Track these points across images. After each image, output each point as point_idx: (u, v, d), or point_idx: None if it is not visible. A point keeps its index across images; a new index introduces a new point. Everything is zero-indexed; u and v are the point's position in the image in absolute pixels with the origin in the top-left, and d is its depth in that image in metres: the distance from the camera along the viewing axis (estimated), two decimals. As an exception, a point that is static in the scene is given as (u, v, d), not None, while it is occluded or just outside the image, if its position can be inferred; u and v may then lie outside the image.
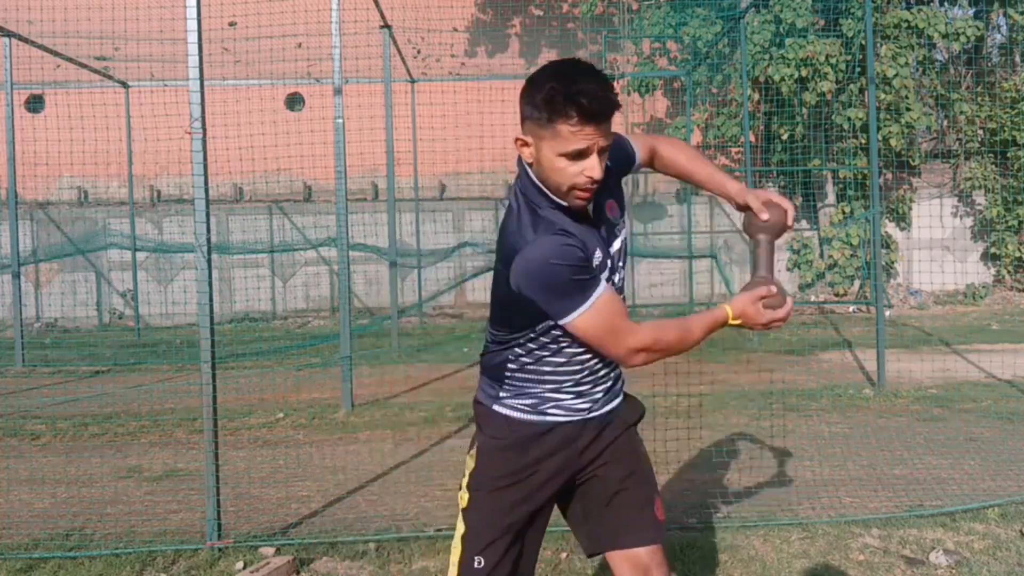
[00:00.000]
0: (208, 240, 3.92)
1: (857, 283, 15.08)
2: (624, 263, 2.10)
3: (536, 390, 2.08)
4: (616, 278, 2.05)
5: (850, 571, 3.57)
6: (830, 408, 6.72)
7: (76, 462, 5.61)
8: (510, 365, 2.08)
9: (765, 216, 2.06)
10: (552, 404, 2.08)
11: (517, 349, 2.05)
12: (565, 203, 1.92)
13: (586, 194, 1.90)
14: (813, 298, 15.07)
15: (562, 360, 2.05)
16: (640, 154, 2.22)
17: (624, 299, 2.08)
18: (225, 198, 15.18)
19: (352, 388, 7.01)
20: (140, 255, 14.03)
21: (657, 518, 2.12)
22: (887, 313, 11.39)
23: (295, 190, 15.50)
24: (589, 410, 2.11)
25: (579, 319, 1.89)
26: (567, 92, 1.81)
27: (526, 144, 1.92)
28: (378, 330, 12.39)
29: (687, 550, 3.72)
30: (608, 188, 2.03)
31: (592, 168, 1.86)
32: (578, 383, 2.09)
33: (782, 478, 4.86)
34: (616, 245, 2.06)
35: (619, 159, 2.12)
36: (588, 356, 2.06)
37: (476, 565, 2.04)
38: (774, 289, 2.02)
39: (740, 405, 6.85)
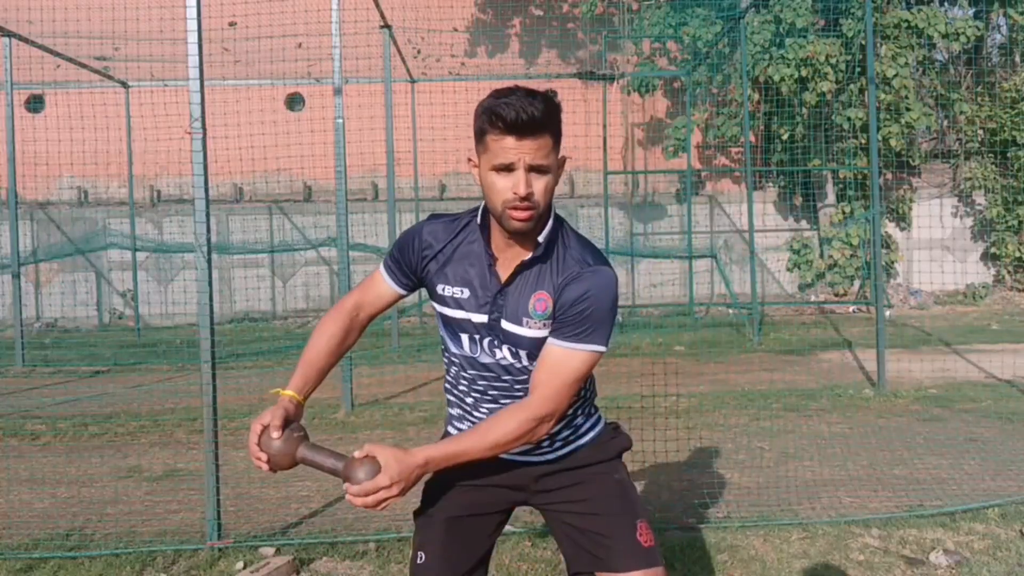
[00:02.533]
0: (208, 240, 3.92)
1: (857, 283, 15.09)
2: (516, 353, 1.95)
3: (453, 413, 2.13)
4: (507, 356, 1.95)
5: (850, 571, 3.57)
6: (830, 408, 6.72)
7: (76, 462, 5.61)
8: (446, 378, 2.14)
9: (357, 457, 1.78)
10: (464, 428, 2.07)
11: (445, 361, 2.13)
12: (506, 228, 1.87)
13: (519, 213, 1.81)
14: (813, 298, 15.07)
15: (450, 385, 2.11)
16: (543, 353, 1.91)
17: (520, 379, 1.97)
18: (225, 198, 15.19)
19: (352, 388, 7.00)
20: (140, 255, 14.03)
21: (640, 544, 2.01)
22: (887, 313, 11.40)
23: (295, 190, 15.50)
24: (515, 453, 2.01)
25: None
26: (494, 104, 1.81)
27: (476, 165, 1.91)
28: (378, 330, 12.39)
29: (687, 550, 3.72)
30: (552, 284, 1.90)
31: (517, 184, 1.80)
32: (461, 416, 2.09)
33: (782, 478, 4.86)
34: (511, 328, 1.92)
35: (558, 303, 1.90)
36: (462, 376, 2.04)
37: (418, 560, 2.06)
38: (285, 443, 1.86)
39: (740, 405, 6.85)
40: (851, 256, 14.72)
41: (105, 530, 4.21)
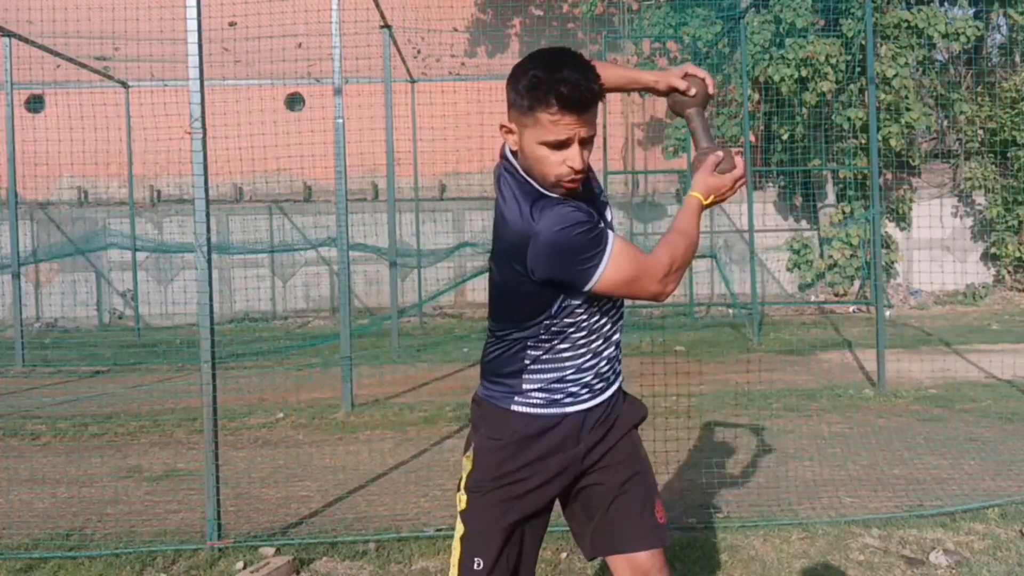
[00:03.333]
0: (208, 240, 3.92)
1: (857, 283, 15.08)
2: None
3: (553, 378, 2.06)
4: None
5: (850, 571, 3.57)
6: (830, 408, 6.72)
7: (76, 462, 5.61)
8: (525, 361, 2.05)
9: (692, 91, 2.13)
10: (568, 392, 2.07)
11: (529, 343, 2.04)
12: (551, 192, 1.93)
13: (571, 184, 1.91)
14: (813, 298, 15.07)
15: (569, 346, 2.05)
16: None
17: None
18: (225, 198, 15.19)
19: (352, 388, 7.00)
20: (140, 255, 14.03)
21: (658, 521, 2.10)
22: (887, 313, 11.40)
23: (295, 190, 15.50)
24: (600, 390, 2.11)
25: (605, 273, 1.90)
26: (548, 80, 1.79)
27: (511, 131, 1.92)
28: (378, 330, 12.39)
29: (687, 550, 3.72)
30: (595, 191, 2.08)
31: (573, 158, 1.86)
32: (583, 367, 2.10)
33: (782, 478, 4.86)
34: (608, 215, 2.09)
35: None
36: (592, 338, 2.08)
37: (475, 567, 2.02)
38: (720, 154, 2.06)
39: (740, 405, 6.85)
40: (851, 256, 14.72)
41: (105, 530, 4.21)
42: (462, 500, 2.09)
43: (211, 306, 3.97)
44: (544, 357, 2.04)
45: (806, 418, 6.39)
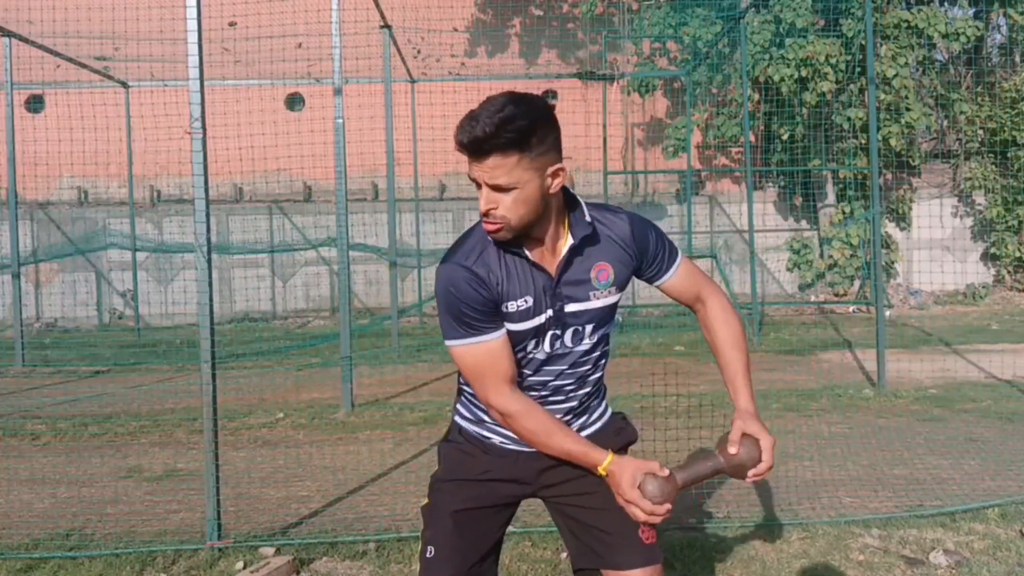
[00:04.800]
0: (208, 240, 3.92)
1: (857, 283, 15.09)
2: (596, 331, 2.04)
3: (476, 402, 2.10)
4: (568, 339, 2.01)
5: (850, 571, 3.57)
6: (830, 408, 6.72)
7: (76, 462, 5.61)
8: (460, 377, 2.14)
9: (734, 450, 1.86)
10: (488, 420, 2.10)
11: None
12: None
13: (487, 226, 1.89)
14: (813, 298, 15.07)
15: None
16: (674, 282, 2.10)
17: (576, 364, 2.04)
18: (225, 198, 15.19)
19: (352, 388, 7.00)
20: (140, 255, 14.04)
21: (641, 541, 2.04)
22: (887, 313, 11.40)
23: (295, 190, 15.50)
24: (519, 442, 2.07)
25: (454, 349, 1.95)
26: (461, 121, 1.84)
27: None
28: (378, 330, 12.39)
29: (687, 550, 3.72)
30: (606, 254, 1.99)
31: (481, 200, 1.88)
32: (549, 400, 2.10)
33: (782, 478, 4.86)
34: (579, 307, 1.98)
35: (639, 252, 2.04)
36: (529, 384, 2.05)
37: (428, 555, 2.07)
38: (671, 483, 1.82)
39: (740, 405, 6.84)
40: (851, 256, 14.72)
41: (105, 530, 4.21)
42: (425, 499, 2.17)
43: (211, 306, 3.97)
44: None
45: (806, 418, 6.39)
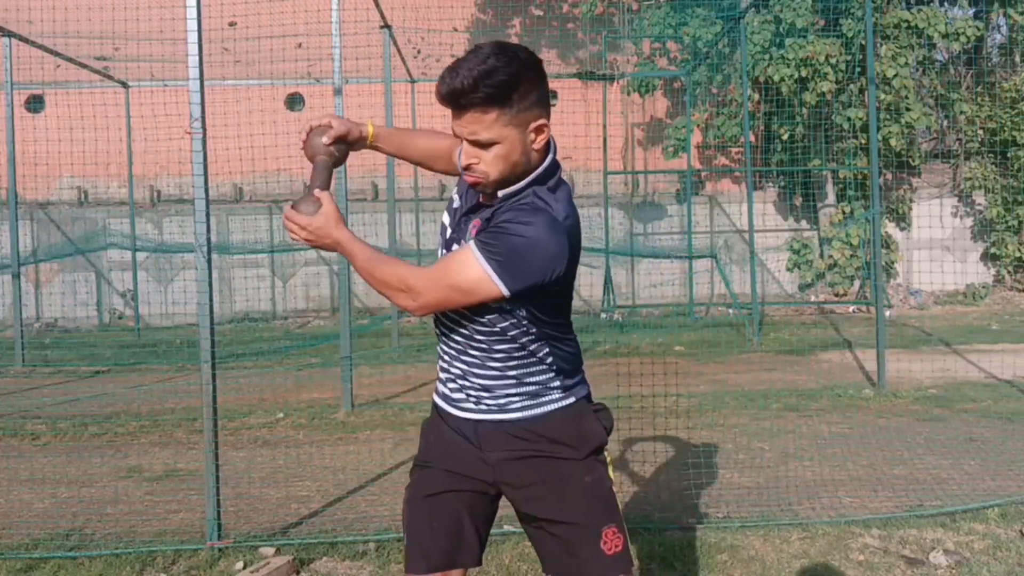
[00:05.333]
0: (208, 240, 3.92)
1: (857, 283, 15.09)
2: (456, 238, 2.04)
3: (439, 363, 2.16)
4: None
5: (850, 571, 3.57)
6: (830, 408, 6.72)
7: (76, 462, 5.61)
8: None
9: (327, 140, 2.10)
10: (439, 378, 2.15)
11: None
12: None
13: (468, 178, 1.90)
14: (813, 298, 15.07)
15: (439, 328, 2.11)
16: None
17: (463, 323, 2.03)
18: (225, 198, 15.18)
19: (352, 388, 7.00)
20: (140, 255, 14.03)
21: (604, 553, 1.99)
22: (887, 313, 11.40)
23: (295, 190, 15.49)
24: (445, 398, 2.11)
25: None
26: (444, 71, 1.81)
27: None
28: (378, 330, 12.39)
29: (687, 550, 3.72)
30: (489, 218, 1.92)
31: (463, 153, 1.88)
32: (440, 355, 2.12)
33: (782, 478, 4.86)
34: (455, 247, 2.00)
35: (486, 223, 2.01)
36: (438, 322, 2.08)
37: (406, 541, 2.09)
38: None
39: (740, 405, 6.85)
40: (851, 256, 14.72)
41: (105, 530, 4.21)
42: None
43: (211, 306, 3.97)
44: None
45: (806, 418, 6.39)
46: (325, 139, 2.09)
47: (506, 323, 1.95)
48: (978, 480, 4.73)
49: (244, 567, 3.68)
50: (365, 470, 5.20)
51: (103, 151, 13.60)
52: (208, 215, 3.95)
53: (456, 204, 2.07)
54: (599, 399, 2.18)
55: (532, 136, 1.85)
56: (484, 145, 1.82)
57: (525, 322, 1.95)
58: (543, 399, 2.02)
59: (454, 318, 2.00)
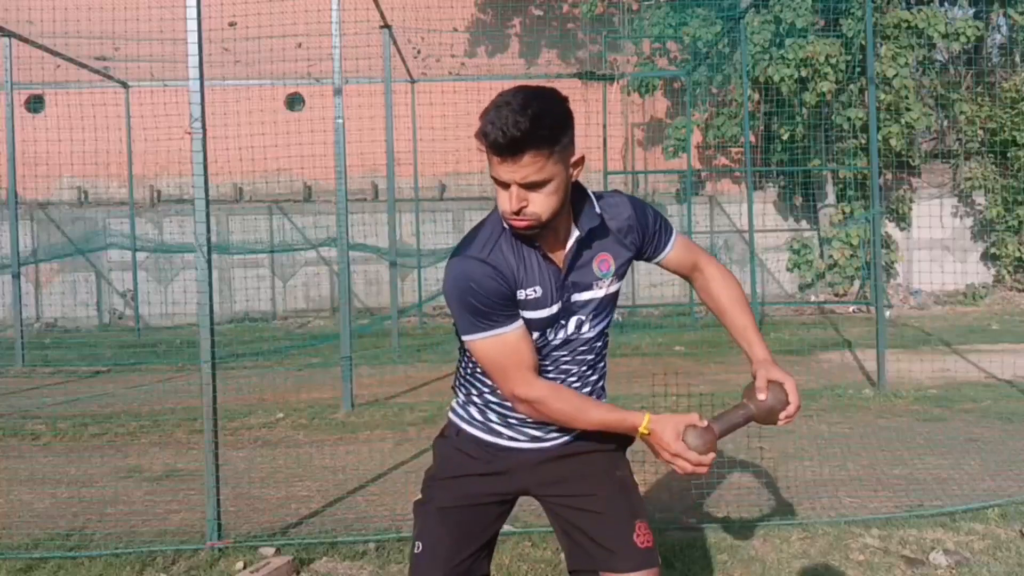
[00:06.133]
0: (208, 240, 3.92)
1: (857, 283, 15.08)
2: (599, 319, 2.06)
3: (476, 401, 2.11)
4: (571, 328, 2.03)
5: (850, 571, 3.57)
6: (830, 408, 6.72)
7: (76, 462, 5.61)
8: (461, 370, 2.15)
9: (763, 396, 1.94)
10: (484, 420, 2.11)
11: (464, 356, 2.12)
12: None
13: (517, 224, 1.87)
14: (813, 298, 15.07)
15: (491, 383, 2.06)
16: (672, 256, 2.15)
17: (581, 351, 2.06)
18: (225, 198, 15.18)
19: (352, 388, 7.00)
20: (140, 255, 14.03)
21: (637, 545, 2.03)
22: (887, 313, 11.41)
23: (295, 190, 15.50)
24: (526, 439, 2.08)
25: (476, 343, 1.94)
26: (484, 119, 1.80)
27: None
28: (378, 330, 12.39)
29: (687, 550, 3.72)
30: (608, 244, 2.03)
31: (510, 200, 1.84)
32: (505, 416, 2.07)
33: (782, 478, 4.86)
34: (584, 296, 2.01)
35: (640, 235, 2.08)
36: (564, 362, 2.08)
37: (416, 550, 2.08)
38: (710, 433, 1.87)
39: (740, 405, 6.84)
40: (851, 256, 14.72)
41: (105, 530, 4.20)
42: (419, 494, 2.18)
43: (211, 306, 3.97)
44: (470, 376, 2.12)
45: (806, 418, 6.39)
46: (694, 432, 1.88)
47: (607, 326, 2.12)
48: (978, 480, 4.73)
49: (244, 567, 3.68)
50: (365, 470, 5.20)
51: (103, 151, 13.60)
52: (208, 215, 3.95)
53: (538, 292, 1.96)
54: (600, 399, 2.21)
55: (572, 171, 1.90)
56: (537, 186, 1.83)
57: (608, 323, 2.11)
58: (605, 397, 2.17)
59: (586, 342, 2.07)
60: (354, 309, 12.52)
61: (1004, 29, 15.86)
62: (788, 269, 15.51)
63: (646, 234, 2.08)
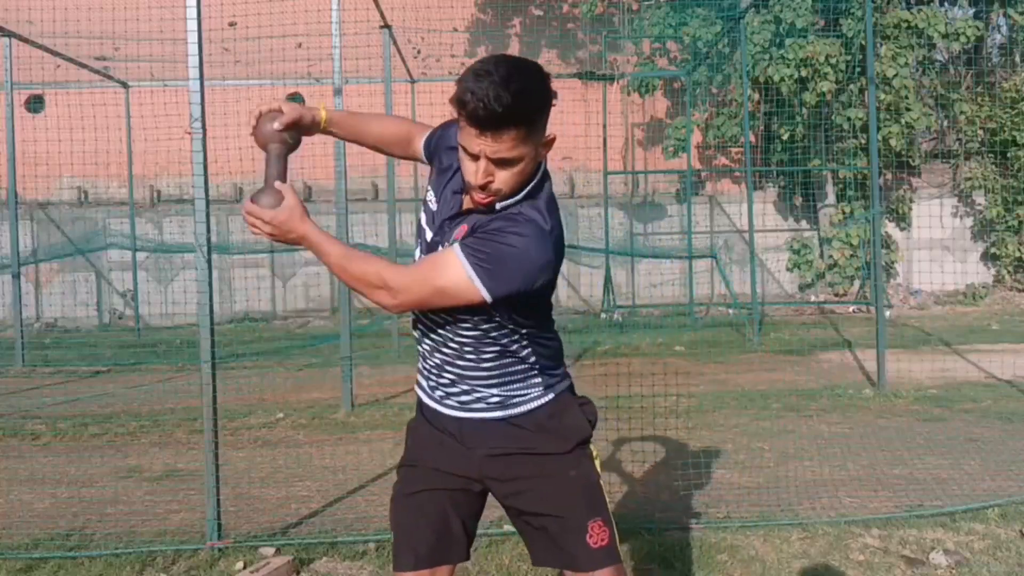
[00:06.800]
0: (208, 240, 3.92)
1: (857, 283, 15.08)
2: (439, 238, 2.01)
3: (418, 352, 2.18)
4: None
5: (850, 571, 3.57)
6: (830, 408, 6.72)
7: (76, 462, 5.61)
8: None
9: (278, 125, 2.02)
10: (420, 374, 2.20)
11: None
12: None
13: (478, 197, 1.84)
14: (813, 298, 15.07)
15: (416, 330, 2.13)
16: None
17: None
18: (225, 198, 15.18)
19: (352, 388, 7.00)
20: (140, 255, 14.03)
21: (590, 546, 1.99)
22: (887, 313, 11.40)
23: (295, 190, 15.48)
24: (428, 396, 2.16)
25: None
26: (463, 87, 1.74)
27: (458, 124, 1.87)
28: (378, 330, 12.39)
29: (687, 550, 3.72)
30: (474, 219, 1.92)
31: (472, 172, 1.80)
32: (420, 354, 2.15)
33: (782, 478, 4.86)
34: (436, 224, 2.01)
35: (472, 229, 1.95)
36: (418, 321, 2.10)
37: (393, 539, 2.10)
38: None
39: (740, 405, 6.85)
40: (851, 256, 14.72)
41: (105, 530, 4.20)
42: None
43: (211, 306, 3.97)
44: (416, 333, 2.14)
45: (806, 418, 6.39)
46: (276, 125, 2.00)
47: (489, 324, 1.96)
48: (978, 480, 4.73)
49: (244, 567, 3.68)
50: (365, 470, 5.20)
51: (103, 151, 13.59)
52: (208, 215, 3.95)
53: (434, 206, 2.02)
54: (600, 399, 2.19)
55: (542, 151, 1.86)
56: (508, 163, 1.79)
57: (508, 324, 1.96)
58: (527, 395, 2.04)
59: (436, 318, 2.02)
60: (354, 309, 12.51)
61: (1004, 29, 15.87)
62: (788, 269, 15.51)
63: (475, 229, 1.90)
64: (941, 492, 4.51)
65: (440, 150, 2.07)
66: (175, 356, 10.60)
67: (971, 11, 15.04)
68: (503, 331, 1.97)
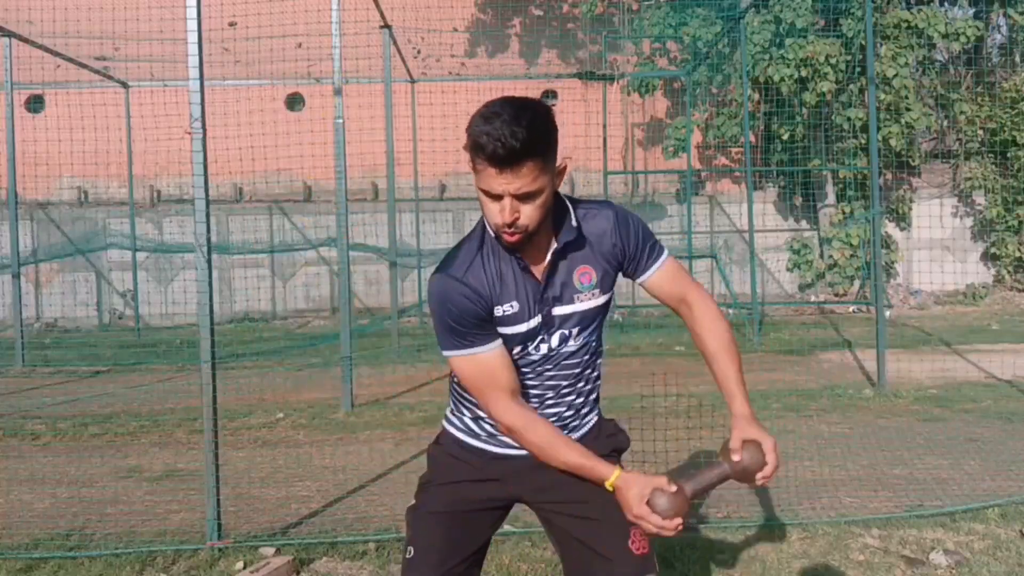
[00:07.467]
0: (208, 240, 3.92)
1: (857, 283, 15.08)
2: (584, 332, 2.03)
3: (467, 411, 2.12)
4: (555, 342, 2.00)
5: (850, 571, 3.57)
6: (830, 408, 6.72)
7: (76, 462, 5.61)
8: (452, 380, 2.16)
9: (737, 457, 1.87)
10: (477, 429, 2.11)
11: None
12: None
13: (508, 237, 1.85)
14: (813, 298, 15.07)
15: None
16: (655, 279, 2.08)
17: (566, 364, 2.04)
18: (225, 198, 15.18)
19: (352, 388, 7.00)
20: (140, 255, 14.03)
21: (632, 552, 2.00)
22: (887, 313, 11.40)
23: (295, 190, 15.50)
24: (518, 447, 2.05)
25: (454, 360, 1.98)
26: (476, 131, 1.78)
27: (474, 171, 1.89)
28: (378, 330, 12.39)
29: (687, 550, 3.72)
30: (588, 256, 1.99)
31: (503, 212, 1.81)
32: (495, 426, 2.05)
33: (782, 478, 4.85)
34: (566, 310, 1.98)
35: (621, 249, 2.02)
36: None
37: (408, 555, 2.08)
38: (680, 497, 1.80)
39: (740, 405, 6.83)
40: (851, 256, 14.71)
41: (105, 530, 4.21)
42: (413, 499, 2.18)
43: (211, 306, 3.97)
44: (459, 385, 2.11)
45: (806, 418, 6.40)
46: (663, 494, 1.82)
47: (592, 337, 2.08)
48: (978, 480, 4.73)
49: (244, 567, 3.68)
50: (365, 470, 5.20)
51: (103, 151, 13.60)
52: (208, 215, 3.95)
53: (515, 308, 1.95)
54: (601, 399, 2.21)
55: (557, 180, 1.89)
56: (531, 196, 1.82)
57: (593, 340, 2.09)
58: (598, 406, 2.19)
59: (572, 355, 2.05)
60: (354, 309, 12.51)
61: (1004, 29, 15.86)
62: (788, 269, 15.51)
63: (627, 249, 2.02)
64: (941, 492, 4.51)
65: (484, 305, 1.96)
66: (175, 356, 10.60)
67: (971, 11, 15.04)
68: (596, 345, 2.11)
